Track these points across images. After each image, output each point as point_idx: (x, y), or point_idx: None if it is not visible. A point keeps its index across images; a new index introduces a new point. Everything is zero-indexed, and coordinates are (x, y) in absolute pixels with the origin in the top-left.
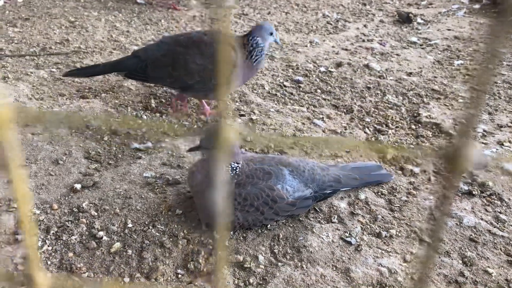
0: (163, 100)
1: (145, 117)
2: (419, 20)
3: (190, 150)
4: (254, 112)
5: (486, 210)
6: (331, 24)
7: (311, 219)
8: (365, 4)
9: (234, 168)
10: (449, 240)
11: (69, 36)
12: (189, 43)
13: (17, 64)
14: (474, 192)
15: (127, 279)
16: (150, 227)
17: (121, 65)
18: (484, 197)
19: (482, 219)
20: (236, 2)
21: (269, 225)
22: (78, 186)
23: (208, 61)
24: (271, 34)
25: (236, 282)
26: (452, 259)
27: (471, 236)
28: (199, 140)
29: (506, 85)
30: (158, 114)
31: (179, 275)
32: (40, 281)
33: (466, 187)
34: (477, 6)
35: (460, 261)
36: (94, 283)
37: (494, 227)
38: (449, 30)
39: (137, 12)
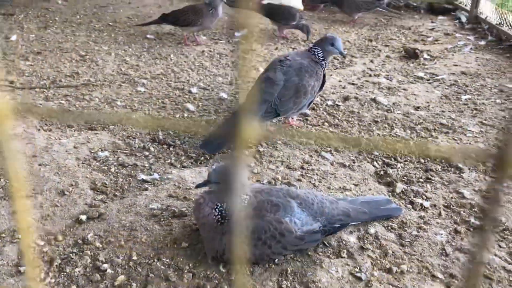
0: (170, 132)
1: (152, 149)
2: (425, 55)
3: (198, 186)
4: (261, 144)
5: (500, 246)
6: (337, 59)
7: (320, 253)
8: (371, 40)
9: (242, 200)
10: (462, 277)
11: (79, 69)
12: (297, 70)
13: (27, 96)
14: (486, 227)
15: None
16: (155, 260)
17: (256, 113)
18: (497, 232)
19: (496, 255)
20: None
21: (276, 260)
22: (83, 217)
23: (314, 78)
24: (332, 45)
25: None
26: None
27: (485, 273)
28: (207, 175)
29: None
30: (165, 146)
31: None
32: None
33: (477, 222)
34: (482, 42)
35: None
36: None
37: (509, 263)
38: (455, 65)
39: (147, 47)
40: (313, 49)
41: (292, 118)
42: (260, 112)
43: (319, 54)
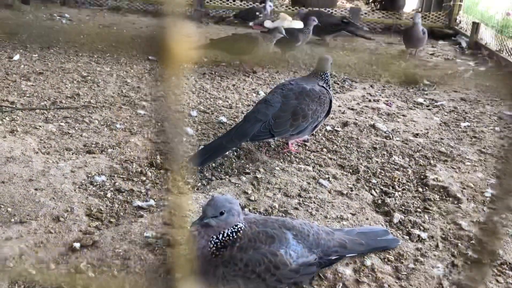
0: (169, 156)
1: (149, 173)
2: (425, 81)
3: (194, 224)
4: (259, 170)
5: (497, 281)
6: (338, 84)
7: (315, 286)
8: (371, 65)
9: (237, 230)
10: None
11: (80, 90)
12: (298, 94)
13: (27, 118)
14: (483, 261)
15: None
16: None
17: (247, 131)
18: (494, 266)
19: None
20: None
21: None
22: (77, 245)
23: (317, 103)
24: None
25: None
26: None
27: None
28: (203, 211)
29: None
30: (163, 171)
31: None
32: None
33: (475, 255)
34: (483, 68)
35: None
36: None
37: None
38: (455, 91)
39: (149, 68)
40: (321, 74)
41: (292, 143)
42: (253, 131)
43: (327, 77)
